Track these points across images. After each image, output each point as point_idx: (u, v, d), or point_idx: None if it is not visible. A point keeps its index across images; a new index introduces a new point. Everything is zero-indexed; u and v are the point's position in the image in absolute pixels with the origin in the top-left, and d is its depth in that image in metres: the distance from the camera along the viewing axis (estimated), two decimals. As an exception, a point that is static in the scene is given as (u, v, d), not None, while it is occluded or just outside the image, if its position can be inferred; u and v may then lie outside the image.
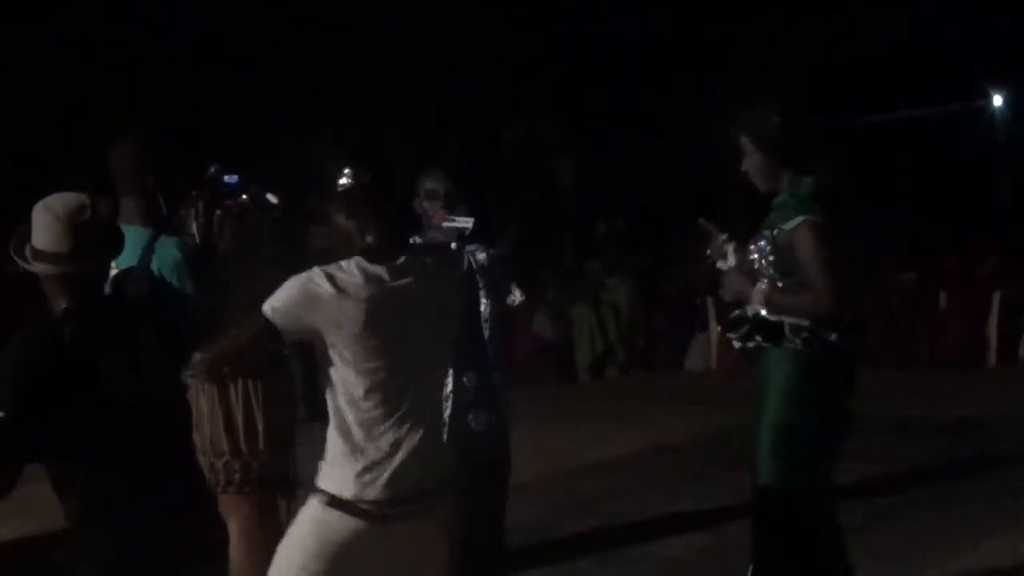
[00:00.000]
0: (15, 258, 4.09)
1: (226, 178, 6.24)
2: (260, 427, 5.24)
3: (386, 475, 4.32)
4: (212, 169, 6.18)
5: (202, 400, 5.21)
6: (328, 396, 4.40)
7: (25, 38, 17.36)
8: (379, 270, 4.35)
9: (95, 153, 5.58)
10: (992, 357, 14.25)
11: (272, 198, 5.87)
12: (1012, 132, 20.38)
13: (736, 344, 5.32)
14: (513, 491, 7.19)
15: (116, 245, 4.29)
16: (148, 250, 5.08)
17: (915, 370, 13.79)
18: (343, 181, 4.47)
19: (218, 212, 6.12)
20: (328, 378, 4.39)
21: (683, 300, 15.42)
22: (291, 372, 5.73)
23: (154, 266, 5.05)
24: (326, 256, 4.51)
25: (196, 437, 5.03)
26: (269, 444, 5.29)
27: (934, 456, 9.25)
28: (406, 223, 4.65)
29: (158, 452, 4.04)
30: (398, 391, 4.38)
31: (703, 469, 8.57)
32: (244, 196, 6.12)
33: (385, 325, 4.33)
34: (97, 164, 4.92)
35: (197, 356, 4.95)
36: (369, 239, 4.39)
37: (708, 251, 5.63)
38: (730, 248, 5.51)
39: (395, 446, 4.34)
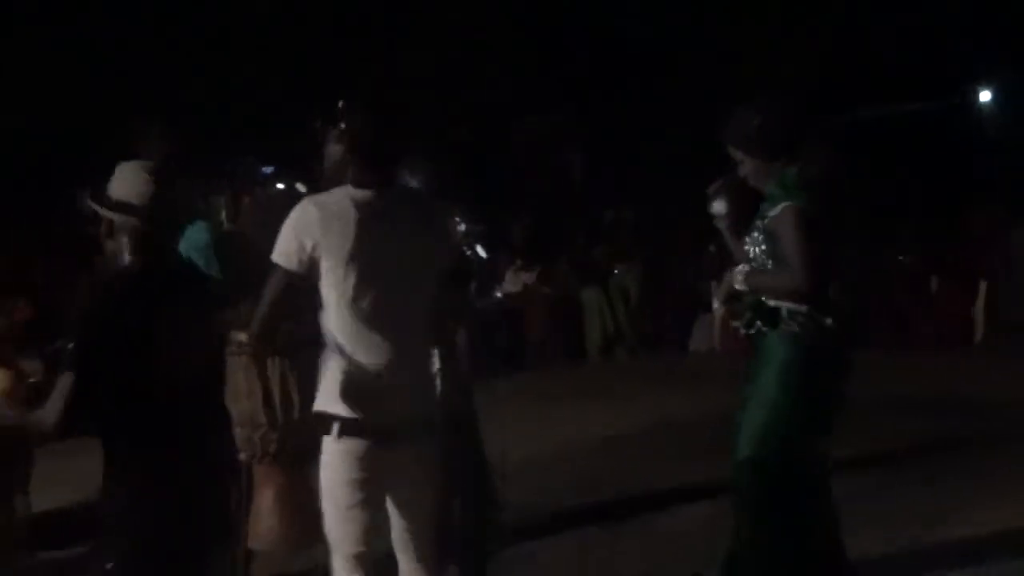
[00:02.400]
0: (93, 203, 4.15)
1: (263, 169, 6.27)
2: (296, 401, 5.24)
3: (373, 397, 4.46)
4: (247, 159, 6.20)
5: (240, 377, 5.24)
6: (327, 335, 4.51)
7: (38, 36, 16.99)
8: (366, 195, 4.48)
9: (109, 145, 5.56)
10: (979, 337, 14.31)
11: (301, 187, 5.90)
12: (999, 126, 20.35)
13: (741, 331, 5.33)
14: (524, 465, 7.19)
15: (186, 212, 4.35)
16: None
17: (908, 350, 13.76)
18: (343, 123, 4.58)
19: (246, 199, 6.15)
20: (326, 314, 4.50)
21: (688, 283, 15.41)
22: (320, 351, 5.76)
23: (182, 248, 5.05)
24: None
25: (234, 411, 5.11)
26: (303, 417, 5.27)
27: (924, 432, 9.22)
28: (398, 161, 4.74)
29: (189, 427, 4.06)
30: (384, 311, 4.48)
31: (707, 444, 8.53)
32: (279, 185, 6.16)
33: (371, 243, 4.44)
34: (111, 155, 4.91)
35: (238, 336, 5.02)
36: (358, 170, 4.52)
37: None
38: (720, 195, 5.57)
39: (381, 371, 4.47)
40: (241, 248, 5.64)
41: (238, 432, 5.04)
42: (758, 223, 5.21)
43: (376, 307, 4.47)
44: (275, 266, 4.50)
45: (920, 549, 6.75)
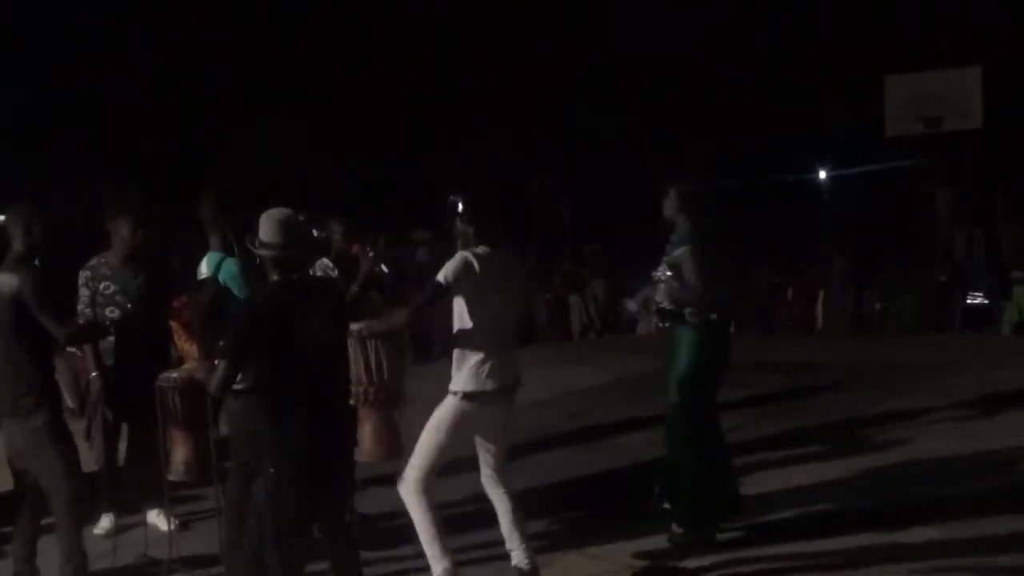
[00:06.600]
0: (249, 246, 4.06)
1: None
2: (385, 367, 5.21)
3: (488, 375, 4.53)
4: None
5: (351, 351, 5.20)
6: (459, 330, 4.56)
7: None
8: (490, 253, 4.57)
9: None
10: (819, 325, 14.24)
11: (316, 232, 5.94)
12: (830, 193, 20.53)
13: (659, 325, 5.36)
14: (529, 407, 7.02)
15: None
16: (217, 267, 4.81)
17: (773, 333, 13.75)
18: (460, 204, 4.66)
19: None
20: (461, 321, 4.55)
21: (634, 292, 15.35)
22: (403, 336, 5.67)
23: (220, 277, 4.80)
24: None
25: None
26: (389, 377, 5.26)
27: (783, 385, 9.20)
28: (503, 225, 4.74)
29: (321, 379, 3.92)
30: (494, 323, 4.56)
31: (647, 391, 8.57)
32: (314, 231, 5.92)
33: (489, 283, 4.53)
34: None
35: (355, 325, 4.96)
36: (481, 236, 4.60)
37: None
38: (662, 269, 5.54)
39: (492, 358, 4.53)
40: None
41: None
42: (665, 258, 5.21)
43: (487, 320, 4.54)
44: (435, 281, 4.53)
45: (777, 456, 6.74)
